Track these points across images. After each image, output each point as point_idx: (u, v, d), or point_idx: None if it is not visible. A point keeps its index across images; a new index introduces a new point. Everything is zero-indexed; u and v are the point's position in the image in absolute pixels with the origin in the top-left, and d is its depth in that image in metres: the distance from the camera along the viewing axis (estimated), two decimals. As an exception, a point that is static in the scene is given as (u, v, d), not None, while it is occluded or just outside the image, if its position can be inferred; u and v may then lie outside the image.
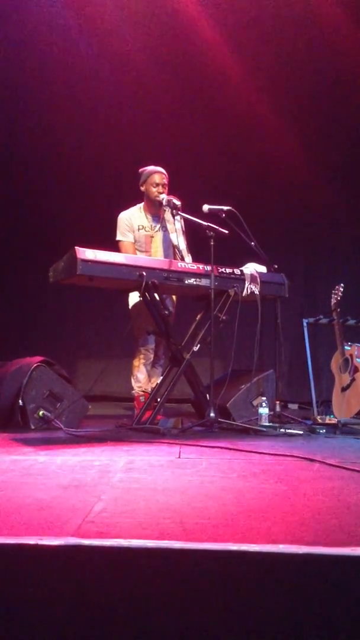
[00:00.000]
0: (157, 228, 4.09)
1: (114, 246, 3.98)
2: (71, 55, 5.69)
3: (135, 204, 4.15)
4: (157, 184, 3.98)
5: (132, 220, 4.06)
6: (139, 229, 4.05)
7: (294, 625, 1.17)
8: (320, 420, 3.95)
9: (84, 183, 6.06)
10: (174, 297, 4.18)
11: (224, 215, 3.70)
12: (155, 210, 4.08)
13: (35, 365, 3.61)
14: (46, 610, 1.20)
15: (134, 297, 3.97)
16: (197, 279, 3.61)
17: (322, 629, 1.18)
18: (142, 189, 4.07)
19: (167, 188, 4.01)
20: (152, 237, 4.07)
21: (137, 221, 4.06)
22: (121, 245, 4.02)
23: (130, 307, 4.05)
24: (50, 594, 1.20)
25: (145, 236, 4.05)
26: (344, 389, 3.96)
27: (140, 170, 4.10)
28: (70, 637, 1.19)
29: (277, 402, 3.91)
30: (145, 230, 4.06)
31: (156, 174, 4.01)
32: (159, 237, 4.08)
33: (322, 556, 1.22)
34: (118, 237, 4.05)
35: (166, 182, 4.01)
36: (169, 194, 3.98)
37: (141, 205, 4.13)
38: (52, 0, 5.37)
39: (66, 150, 6.03)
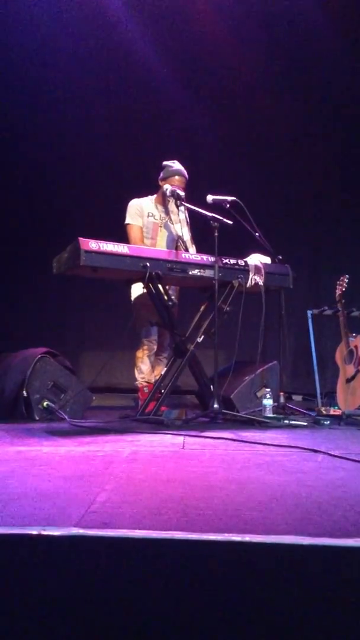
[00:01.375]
0: (165, 219, 4.09)
1: (119, 236, 3.96)
2: (74, 46, 5.66)
3: (140, 196, 4.14)
4: (176, 186, 3.95)
5: (142, 207, 4.06)
6: (148, 216, 4.05)
7: (298, 616, 1.17)
8: (324, 412, 3.94)
9: (88, 174, 6.05)
10: (176, 289, 4.17)
11: (228, 206, 3.68)
12: (166, 204, 4.07)
13: (39, 356, 3.61)
14: (48, 600, 1.20)
15: (136, 289, 3.96)
16: (201, 270, 3.60)
17: (326, 620, 1.18)
18: (161, 183, 4.05)
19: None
20: (160, 226, 4.07)
21: (147, 209, 4.07)
22: (129, 228, 4.02)
23: (133, 298, 4.04)
24: (53, 584, 1.20)
25: (153, 224, 4.05)
26: (348, 380, 3.95)
27: (165, 163, 4.07)
28: (72, 628, 1.19)
29: (281, 393, 3.90)
30: (154, 219, 4.06)
31: (178, 177, 4.00)
32: (166, 228, 4.08)
33: (326, 547, 1.21)
34: (127, 221, 4.04)
35: (184, 187, 3.99)
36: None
37: (153, 197, 4.12)
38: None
39: (70, 142, 6.01)
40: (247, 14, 5.46)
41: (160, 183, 4.07)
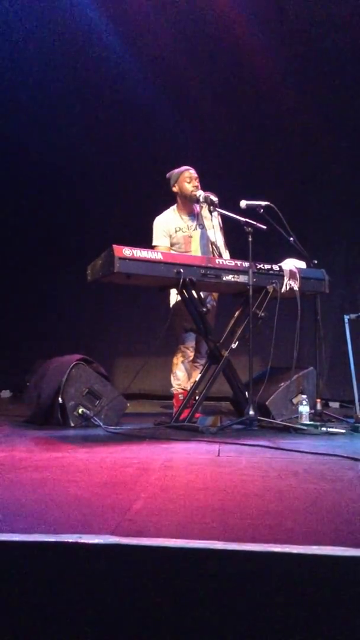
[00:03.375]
0: (193, 227, 4.05)
1: (150, 242, 3.98)
2: (105, 56, 5.72)
3: (169, 202, 4.13)
4: (192, 179, 3.97)
5: (168, 224, 4.03)
6: (176, 231, 4.02)
7: (341, 628, 1.13)
8: (363, 419, 3.85)
9: (120, 182, 6.10)
10: (214, 294, 4.15)
11: (262, 210, 3.64)
12: (190, 208, 4.05)
13: (74, 363, 3.63)
14: (84, 608, 1.18)
15: (174, 294, 3.94)
16: (235, 276, 3.57)
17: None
18: (175, 189, 4.04)
19: (199, 183, 3.98)
20: (190, 236, 4.04)
21: (174, 223, 4.04)
22: (157, 250, 3.99)
23: (171, 304, 4.03)
24: (89, 592, 1.19)
25: (184, 237, 4.02)
26: (387, 387, 3.86)
27: (168, 174, 4.08)
28: (107, 636, 1.18)
29: (318, 400, 3.83)
30: (183, 231, 4.03)
31: (186, 171, 4.01)
32: (197, 235, 4.05)
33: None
34: (154, 242, 4.03)
35: (197, 177, 4.00)
36: (204, 189, 3.95)
37: (174, 207, 4.10)
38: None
39: (102, 151, 6.07)
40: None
41: (174, 190, 4.05)
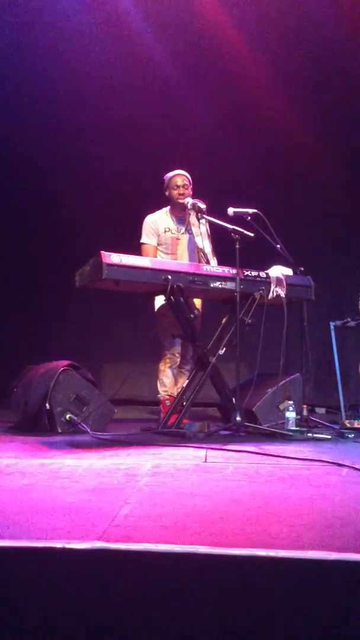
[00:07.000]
0: (182, 231, 4.09)
1: (138, 249, 4.00)
2: (94, 58, 5.73)
3: (159, 208, 4.17)
4: (178, 186, 4.01)
5: (157, 223, 4.07)
6: (165, 232, 4.06)
7: (324, 632, 1.15)
8: (348, 425, 3.88)
9: (108, 187, 6.11)
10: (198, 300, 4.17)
11: (249, 218, 3.68)
12: (181, 213, 4.09)
13: (61, 369, 3.63)
14: (72, 613, 1.19)
15: (159, 301, 3.96)
16: (223, 282, 3.59)
17: (352, 636, 1.15)
18: (167, 194, 4.09)
19: (189, 189, 4.02)
20: (178, 239, 4.07)
21: (163, 224, 4.08)
22: (144, 247, 4.04)
23: (156, 309, 4.05)
24: (77, 597, 1.20)
25: (171, 238, 4.06)
26: (372, 393, 3.90)
27: (165, 177, 4.13)
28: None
29: (304, 406, 3.86)
30: (172, 233, 4.07)
31: (176, 177, 4.05)
32: (185, 239, 4.08)
33: (352, 563, 1.19)
34: (142, 240, 4.07)
35: (188, 184, 4.03)
36: (193, 196, 3.99)
37: (167, 209, 4.15)
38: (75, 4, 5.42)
39: (90, 155, 6.07)
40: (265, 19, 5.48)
41: (167, 194, 4.11)
